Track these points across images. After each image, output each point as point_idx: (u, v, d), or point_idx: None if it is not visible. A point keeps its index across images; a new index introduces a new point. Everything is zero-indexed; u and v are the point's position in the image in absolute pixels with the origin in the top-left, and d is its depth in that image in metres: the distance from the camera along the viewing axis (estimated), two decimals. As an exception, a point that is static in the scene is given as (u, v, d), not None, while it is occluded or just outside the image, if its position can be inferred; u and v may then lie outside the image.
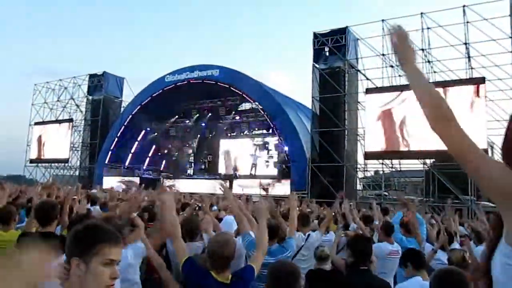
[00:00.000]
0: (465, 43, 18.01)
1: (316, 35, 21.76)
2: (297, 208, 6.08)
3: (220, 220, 5.86)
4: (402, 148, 17.95)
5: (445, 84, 17.63)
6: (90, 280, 1.45)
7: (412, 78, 1.32)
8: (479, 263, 1.17)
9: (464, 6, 17.90)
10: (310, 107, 22.10)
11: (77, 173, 31.25)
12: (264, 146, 26.82)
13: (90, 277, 1.45)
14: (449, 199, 9.01)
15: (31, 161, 32.68)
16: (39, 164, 32.45)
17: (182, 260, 2.65)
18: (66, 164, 31.38)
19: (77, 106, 31.67)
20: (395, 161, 20.02)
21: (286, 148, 23.17)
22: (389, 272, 4.53)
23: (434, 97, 1.21)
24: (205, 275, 2.56)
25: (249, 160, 26.79)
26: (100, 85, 30.66)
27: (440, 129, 1.16)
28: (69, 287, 1.48)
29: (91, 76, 31.29)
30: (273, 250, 3.77)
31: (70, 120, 31.48)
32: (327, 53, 21.48)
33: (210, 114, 29.53)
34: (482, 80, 17.09)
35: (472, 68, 18.01)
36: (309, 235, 4.91)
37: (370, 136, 19.14)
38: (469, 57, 18.03)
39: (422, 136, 17.04)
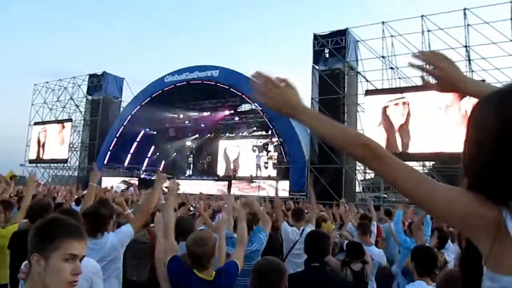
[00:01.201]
0: (466, 46, 17.99)
1: (316, 37, 21.75)
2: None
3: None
4: (402, 150, 17.91)
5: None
6: (51, 276, 1.39)
7: (317, 125, 1.11)
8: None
9: (465, 9, 17.89)
10: (310, 109, 22.05)
11: (76, 173, 31.20)
12: (263, 147, 26.82)
13: (50, 273, 1.39)
14: None
15: (30, 161, 32.64)
16: (39, 164, 32.41)
17: (168, 258, 2.66)
18: (65, 165, 31.34)
19: (77, 106, 31.67)
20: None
21: (285, 150, 23.18)
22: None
23: (356, 138, 1.05)
24: (188, 273, 2.57)
25: (249, 161, 26.80)
26: (100, 85, 30.62)
27: (379, 169, 1.02)
28: (31, 285, 1.43)
29: (91, 76, 31.26)
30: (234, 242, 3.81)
31: (70, 120, 31.44)
32: (327, 55, 21.46)
33: (209, 115, 29.53)
34: (482, 82, 17.06)
35: (472, 71, 17.98)
36: (303, 229, 4.89)
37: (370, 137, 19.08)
38: (469, 60, 18.00)
39: (422, 139, 17.04)
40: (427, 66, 1.38)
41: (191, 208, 7.10)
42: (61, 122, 31.66)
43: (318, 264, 3.08)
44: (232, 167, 28.11)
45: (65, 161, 30.96)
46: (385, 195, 21.01)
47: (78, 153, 31.41)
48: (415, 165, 19.37)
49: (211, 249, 2.61)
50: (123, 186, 23.17)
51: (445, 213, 0.96)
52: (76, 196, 7.72)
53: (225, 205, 4.32)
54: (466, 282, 1.02)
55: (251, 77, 1.20)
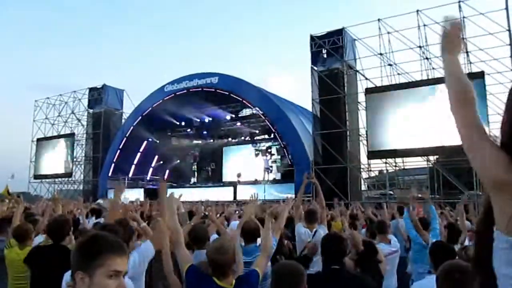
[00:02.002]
0: (463, 38, 17.99)
1: (313, 38, 21.79)
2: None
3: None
4: (405, 146, 17.89)
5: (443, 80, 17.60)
6: None
7: (451, 66, 1.34)
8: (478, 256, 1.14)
9: (459, 1, 17.92)
10: (311, 110, 22.10)
11: (81, 187, 31.27)
12: (267, 151, 26.86)
13: None
14: (464, 194, 8.96)
15: (35, 177, 32.74)
16: (43, 180, 32.51)
17: (185, 268, 2.66)
18: (70, 179, 31.42)
19: (78, 120, 31.79)
20: (398, 160, 19.97)
21: (288, 152, 23.21)
22: (389, 274, 4.49)
23: (463, 84, 1.24)
24: (208, 281, 2.56)
25: (253, 166, 26.81)
26: (100, 98, 30.74)
27: (457, 109, 1.19)
28: None
29: (91, 90, 31.40)
30: (250, 249, 3.84)
31: (72, 135, 31.56)
32: (325, 55, 21.50)
33: (211, 121, 29.60)
34: (481, 74, 17.07)
35: (470, 63, 17.98)
36: (316, 231, 4.90)
37: (372, 136, 19.09)
38: (467, 52, 18.00)
39: (425, 133, 17.01)
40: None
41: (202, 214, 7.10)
42: (63, 137, 31.79)
43: (338, 266, 3.09)
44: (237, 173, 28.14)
45: (69, 175, 31.05)
46: (391, 192, 20.98)
47: (82, 166, 31.50)
48: (419, 160, 19.41)
49: (232, 257, 2.61)
50: (132, 198, 23.15)
51: (482, 172, 1.08)
52: (87, 209, 7.74)
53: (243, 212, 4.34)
54: (479, 248, 1.15)
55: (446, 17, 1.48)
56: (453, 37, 1.41)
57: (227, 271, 2.56)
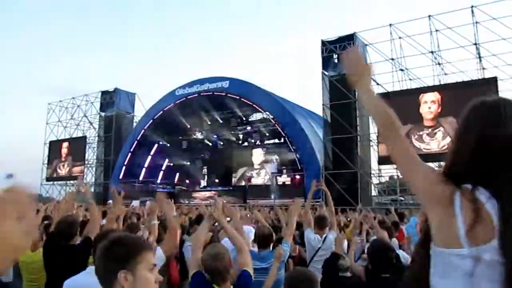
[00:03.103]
0: (475, 44, 17.87)
1: (324, 43, 21.79)
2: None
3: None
4: (417, 151, 17.72)
5: (458, 86, 17.51)
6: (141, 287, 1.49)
7: (365, 96, 1.36)
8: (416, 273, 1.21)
9: (472, 6, 17.79)
10: (321, 115, 22.05)
11: (92, 189, 31.48)
12: (277, 155, 26.83)
13: (140, 285, 1.47)
14: None
15: (47, 179, 33.08)
16: (55, 182, 32.82)
17: (191, 272, 2.70)
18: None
19: (90, 123, 32.12)
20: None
21: (298, 156, 23.17)
22: None
23: (384, 111, 1.27)
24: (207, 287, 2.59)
25: (264, 170, 26.81)
26: (112, 101, 31.03)
27: (386, 136, 1.26)
28: None
29: (103, 93, 31.71)
30: (264, 255, 3.82)
31: (84, 138, 31.87)
32: (336, 60, 21.47)
33: (221, 125, 29.66)
34: (494, 80, 16.90)
35: (483, 69, 17.83)
36: (326, 237, 4.88)
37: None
38: (479, 57, 17.85)
39: (437, 138, 16.88)
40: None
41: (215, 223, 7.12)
42: (75, 139, 32.11)
43: (388, 275, 3.07)
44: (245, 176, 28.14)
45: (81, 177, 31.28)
46: (402, 198, 20.81)
47: (94, 169, 31.77)
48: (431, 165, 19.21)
49: (228, 263, 2.64)
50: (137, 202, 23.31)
51: (417, 186, 1.16)
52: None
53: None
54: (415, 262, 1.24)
55: (347, 50, 1.43)
56: (354, 64, 1.40)
57: (226, 276, 2.59)
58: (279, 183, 25.24)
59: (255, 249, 3.99)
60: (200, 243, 2.96)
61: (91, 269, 2.53)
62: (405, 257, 4.75)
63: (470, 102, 1.19)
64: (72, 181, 31.91)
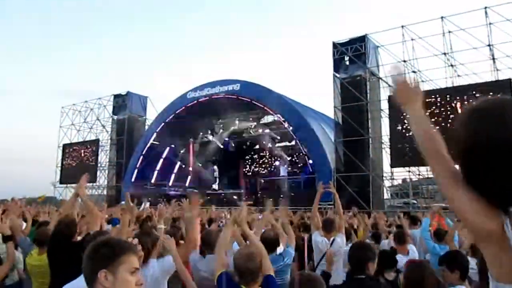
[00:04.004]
0: (489, 45, 17.65)
1: (335, 45, 21.72)
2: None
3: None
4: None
5: (471, 88, 17.32)
6: None
7: (414, 122, 1.31)
8: None
9: (485, 7, 17.59)
10: (333, 117, 21.97)
11: (104, 192, 31.77)
12: (288, 158, 26.80)
13: (119, 286, 1.51)
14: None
15: (61, 182, 33.43)
16: (68, 185, 33.14)
17: (217, 273, 2.70)
18: (94, 184, 31.97)
19: (103, 126, 32.43)
20: (422, 168, 19.62)
21: (310, 159, 23.10)
22: None
23: (432, 140, 1.23)
24: None
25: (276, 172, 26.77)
26: (125, 104, 31.31)
27: (430, 163, 1.19)
28: None
29: (116, 97, 32.02)
30: (272, 259, 3.81)
31: (97, 141, 32.19)
32: (347, 62, 21.39)
33: (232, 128, 29.73)
34: (508, 81, 16.68)
35: (497, 70, 17.60)
36: (333, 240, 4.86)
37: (395, 143, 18.83)
38: (493, 59, 17.63)
39: (448, 141, 16.67)
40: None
41: (220, 224, 7.14)
42: (88, 142, 32.43)
43: (363, 276, 3.03)
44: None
45: (93, 180, 31.58)
46: (415, 201, 20.61)
47: (106, 172, 32.04)
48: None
49: (260, 264, 2.64)
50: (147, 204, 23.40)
51: (465, 219, 1.04)
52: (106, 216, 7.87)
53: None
54: None
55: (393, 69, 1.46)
56: (405, 90, 1.37)
57: (255, 278, 2.58)
58: (290, 185, 25.20)
59: None
60: (224, 247, 2.99)
61: None
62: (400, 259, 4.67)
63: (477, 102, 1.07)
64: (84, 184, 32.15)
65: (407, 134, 18.49)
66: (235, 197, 25.43)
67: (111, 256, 1.54)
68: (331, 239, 4.90)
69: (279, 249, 4.20)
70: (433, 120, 17.93)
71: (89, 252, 1.59)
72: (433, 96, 18.08)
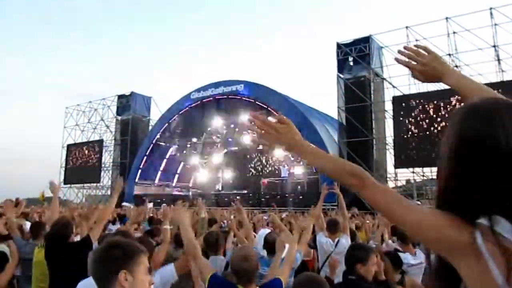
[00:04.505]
0: (494, 46, 17.58)
1: (339, 45, 21.68)
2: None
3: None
4: (433, 154, 17.52)
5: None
6: None
7: (313, 158, 1.20)
8: None
9: (491, 8, 17.52)
10: (336, 118, 21.94)
11: (108, 192, 31.84)
12: (292, 159, 26.75)
13: (137, 286, 1.54)
14: None
15: (65, 182, 33.54)
16: (72, 185, 33.25)
17: (207, 277, 2.65)
18: (98, 184, 32.06)
19: (107, 126, 32.51)
20: (426, 169, 19.57)
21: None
22: None
23: (343, 168, 1.11)
24: None
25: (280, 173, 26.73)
26: (128, 105, 31.38)
27: (366, 195, 1.04)
28: None
29: (120, 97, 32.09)
30: (272, 262, 3.79)
31: (101, 141, 32.27)
32: (351, 63, 21.35)
33: (236, 129, 29.71)
34: (513, 82, 16.61)
35: (502, 71, 17.53)
36: (338, 241, 4.83)
37: (399, 144, 18.78)
38: (498, 59, 17.56)
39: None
40: (411, 62, 1.44)
41: (223, 225, 7.11)
42: (92, 143, 32.53)
43: (354, 277, 3.02)
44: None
45: (98, 180, 31.68)
46: (419, 202, 20.53)
47: (110, 172, 32.11)
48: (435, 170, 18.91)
49: (256, 265, 2.62)
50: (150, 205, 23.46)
51: (424, 235, 0.95)
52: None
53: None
54: None
55: (249, 119, 1.28)
56: (272, 133, 1.25)
57: (252, 278, 2.57)
58: (294, 186, 25.16)
59: (265, 255, 3.96)
60: (198, 251, 2.90)
61: None
62: (407, 258, 4.64)
63: (465, 104, 0.98)
64: (88, 184, 32.33)
65: (411, 135, 18.46)
66: (238, 198, 25.41)
67: (131, 257, 1.56)
68: (336, 240, 4.88)
69: (285, 252, 4.17)
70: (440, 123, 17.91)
71: (101, 253, 1.61)
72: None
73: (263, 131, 1.26)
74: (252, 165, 29.29)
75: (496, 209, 0.85)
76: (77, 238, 4.11)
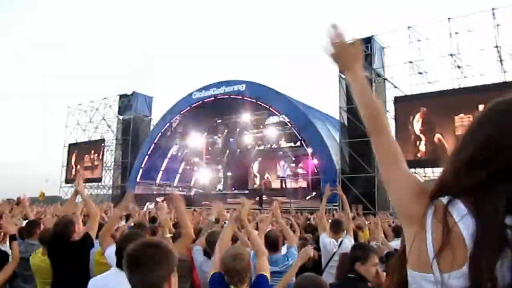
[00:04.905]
0: (496, 46, 17.54)
1: (341, 46, 21.62)
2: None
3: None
4: (435, 155, 17.49)
5: (478, 89, 17.20)
6: None
7: (355, 86, 1.27)
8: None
9: (493, 8, 17.48)
10: (338, 118, 21.92)
11: (110, 191, 31.89)
12: (293, 159, 26.76)
13: (175, 286, 1.61)
14: None
15: (67, 181, 33.58)
16: (74, 185, 33.21)
17: (210, 273, 2.69)
18: (100, 183, 32.10)
19: (109, 126, 32.54)
20: (428, 170, 19.54)
21: (315, 160, 23.04)
22: None
23: (372, 102, 1.22)
24: None
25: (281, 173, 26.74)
26: (130, 104, 31.40)
27: (371, 131, 1.18)
28: None
29: (121, 97, 32.12)
30: (276, 258, 3.84)
31: (102, 140, 32.31)
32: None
33: (238, 129, 29.72)
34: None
35: (505, 72, 17.48)
36: (341, 241, 4.82)
37: (401, 145, 18.71)
38: (501, 60, 17.52)
39: (454, 142, 16.59)
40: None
41: (224, 224, 7.12)
42: (94, 142, 32.57)
43: (353, 275, 3.02)
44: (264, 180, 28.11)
45: (99, 180, 31.73)
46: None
47: (112, 171, 32.15)
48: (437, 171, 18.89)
49: (248, 264, 2.62)
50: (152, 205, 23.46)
51: (394, 194, 1.06)
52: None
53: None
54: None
55: (329, 28, 1.35)
56: (342, 51, 1.30)
57: (244, 277, 2.57)
58: (295, 186, 25.16)
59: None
60: (225, 245, 2.97)
61: (115, 269, 2.58)
62: None
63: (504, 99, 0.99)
64: (90, 184, 32.36)
65: (413, 136, 18.45)
66: (243, 197, 25.41)
67: (175, 261, 1.62)
68: (339, 240, 4.86)
69: (284, 250, 4.18)
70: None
71: (159, 259, 1.59)
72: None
73: (336, 42, 1.32)
74: (253, 165, 29.28)
75: (466, 194, 0.90)
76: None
